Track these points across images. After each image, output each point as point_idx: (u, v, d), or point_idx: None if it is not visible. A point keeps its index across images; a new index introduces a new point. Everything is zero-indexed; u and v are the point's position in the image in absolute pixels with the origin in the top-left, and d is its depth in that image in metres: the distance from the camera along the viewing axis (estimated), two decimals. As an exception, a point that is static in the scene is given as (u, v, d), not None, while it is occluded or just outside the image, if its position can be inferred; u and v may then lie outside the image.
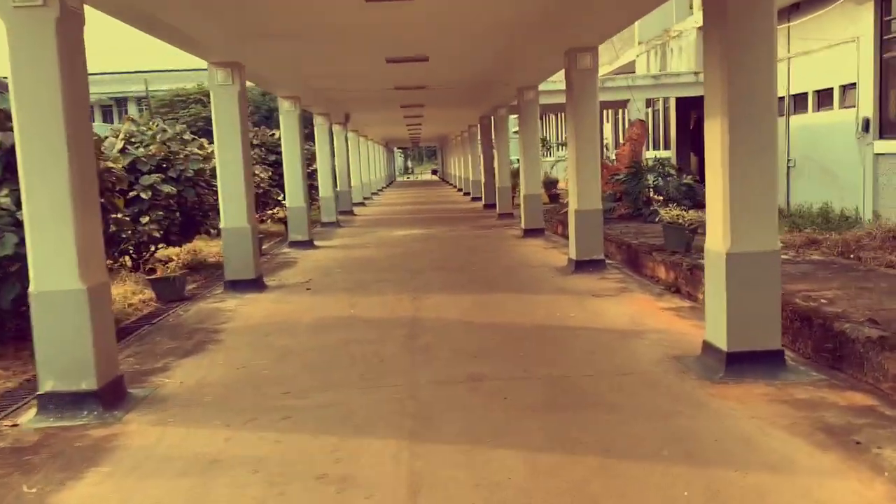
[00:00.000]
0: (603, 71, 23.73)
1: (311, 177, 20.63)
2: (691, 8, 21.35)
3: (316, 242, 14.88)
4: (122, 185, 8.42)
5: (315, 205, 21.75)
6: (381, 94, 17.73)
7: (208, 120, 18.96)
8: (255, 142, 19.64)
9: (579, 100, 9.65)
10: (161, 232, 10.69)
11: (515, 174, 24.02)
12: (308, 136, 20.02)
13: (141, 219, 10.41)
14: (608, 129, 29.24)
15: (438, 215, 21.51)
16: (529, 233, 14.31)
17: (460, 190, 35.71)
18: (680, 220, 9.13)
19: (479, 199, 27.34)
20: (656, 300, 7.85)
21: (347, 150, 22.94)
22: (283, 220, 16.62)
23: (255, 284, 9.68)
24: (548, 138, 30.40)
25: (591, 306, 7.69)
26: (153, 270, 9.67)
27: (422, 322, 7.32)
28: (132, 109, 58.18)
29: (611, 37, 9.72)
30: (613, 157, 19.32)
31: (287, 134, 14.38)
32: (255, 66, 10.44)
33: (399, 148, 77.79)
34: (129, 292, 9.34)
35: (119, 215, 9.68)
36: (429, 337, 6.67)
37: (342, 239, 15.85)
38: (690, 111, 22.24)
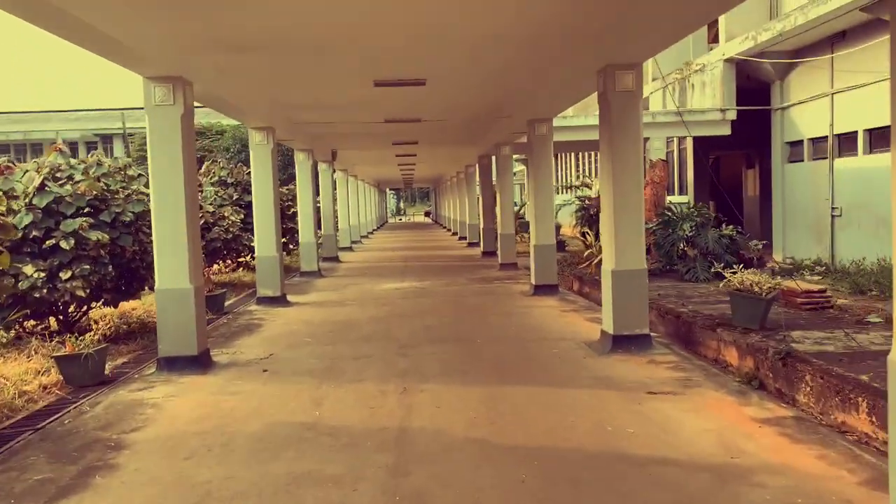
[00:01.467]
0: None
1: (291, 219, 18.54)
2: (714, 41, 19.61)
3: (290, 298, 12.67)
4: (8, 236, 6.24)
5: (295, 251, 19.58)
6: (370, 129, 15.71)
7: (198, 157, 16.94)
8: (229, 180, 17.56)
9: (618, 127, 7.60)
10: (88, 290, 8.50)
11: (516, 219, 22.13)
12: (292, 177, 17.91)
13: (61, 274, 8.23)
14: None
15: (432, 263, 19.35)
16: (541, 289, 12.14)
17: (455, 234, 33.66)
18: (755, 288, 6.98)
19: (476, 244, 25.29)
20: (740, 403, 5.65)
21: (334, 191, 20.90)
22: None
23: (198, 363, 7.44)
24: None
25: (652, 413, 5.48)
26: (64, 343, 7.42)
27: (413, 440, 5.07)
28: (118, 146, 56.55)
29: (660, 51, 7.71)
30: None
31: (259, 171, 12.26)
32: (208, 85, 8.36)
33: (391, 189, 76.02)
34: (32, 371, 7.11)
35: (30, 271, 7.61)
36: (423, 475, 4.41)
37: (321, 293, 13.63)
38: (710, 151, 20.33)
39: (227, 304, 12.50)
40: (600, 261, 11.43)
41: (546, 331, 8.96)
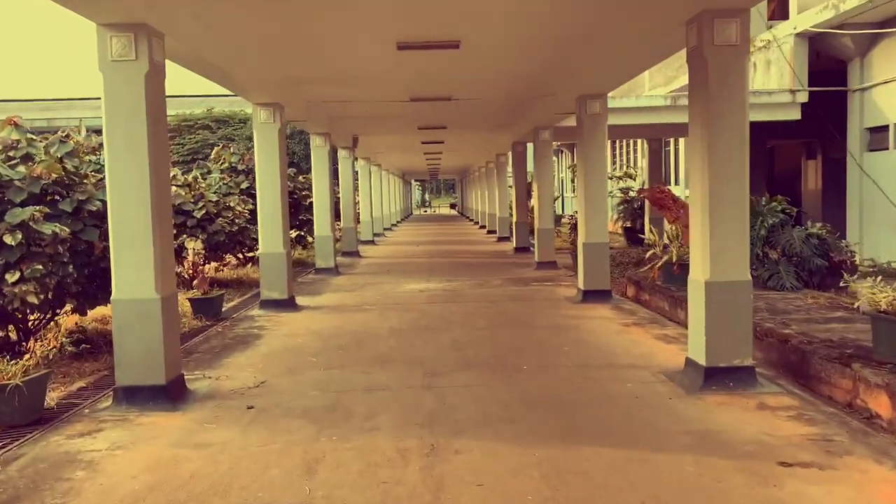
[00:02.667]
0: (658, 93, 19.92)
1: (308, 210, 16.90)
2: (775, 17, 17.56)
3: (299, 300, 11.00)
4: None
5: (313, 244, 17.94)
6: (393, 110, 13.99)
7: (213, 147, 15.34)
8: (239, 167, 15.97)
9: (717, 95, 5.76)
10: (45, 295, 6.88)
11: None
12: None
13: (7, 276, 6.62)
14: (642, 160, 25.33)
15: (461, 260, 17.59)
16: (591, 295, 10.32)
17: (483, 227, 31.87)
18: (910, 311, 5.13)
19: (507, 239, 23.51)
20: (926, 489, 3.84)
21: (355, 180, 19.24)
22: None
23: (166, 395, 5.76)
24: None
25: (799, 505, 3.69)
26: (21, 355, 5.79)
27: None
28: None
29: None
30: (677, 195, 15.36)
31: (264, 154, 10.57)
32: (187, 40, 6.64)
33: (417, 180, 74.38)
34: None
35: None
36: None
37: (336, 294, 11.94)
38: (767, 139, 18.29)
39: (226, 307, 10.89)
40: (666, 263, 9.60)
41: (609, 353, 7.16)
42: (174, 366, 5.99)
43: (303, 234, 17.40)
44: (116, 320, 5.82)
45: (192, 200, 12.25)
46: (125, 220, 5.75)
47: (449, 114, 15.03)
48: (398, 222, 40.68)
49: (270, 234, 10.56)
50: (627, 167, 24.04)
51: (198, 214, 12.05)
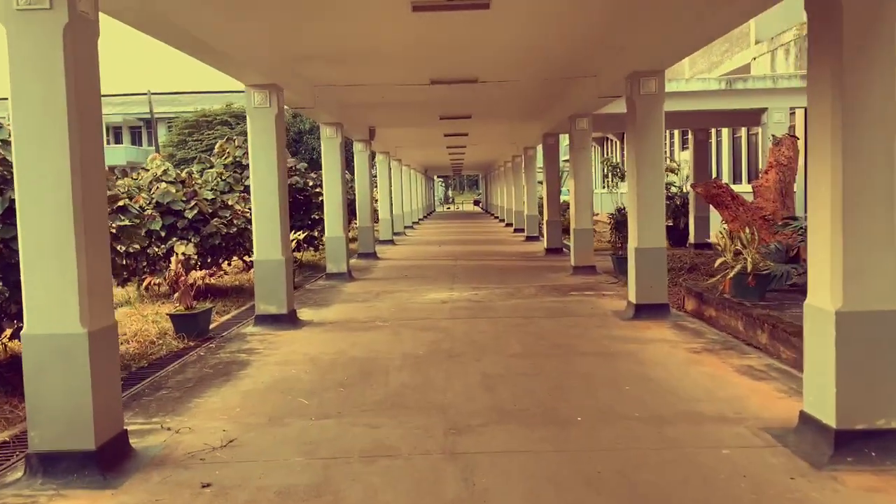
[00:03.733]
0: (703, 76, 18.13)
1: (320, 209, 15.40)
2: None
3: (301, 314, 9.50)
4: None
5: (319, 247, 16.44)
6: (412, 96, 12.44)
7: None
8: (244, 161, 14.54)
9: (858, 54, 4.13)
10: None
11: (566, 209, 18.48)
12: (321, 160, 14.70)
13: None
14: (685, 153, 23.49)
15: (488, 262, 16.00)
16: (644, 311, 8.68)
17: (509, 225, 30.26)
18: None
19: (536, 238, 21.91)
20: None
21: (372, 176, 17.73)
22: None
23: (95, 463, 4.25)
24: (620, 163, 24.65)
25: None
26: None
27: None
28: (162, 130, 54.64)
29: None
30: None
31: (259, 143, 9.06)
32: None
33: (440, 176, 72.83)
34: None
35: None
36: None
37: (345, 306, 10.40)
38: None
39: (221, 320, 9.44)
40: (741, 272, 7.94)
41: (686, 397, 5.52)
42: (110, 423, 4.46)
43: (315, 234, 15.92)
44: (28, 362, 4.27)
45: (183, 199, 10.82)
46: (36, 228, 4.23)
47: (474, 101, 13.45)
48: (420, 220, 39.16)
49: (266, 237, 9.05)
50: (669, 160, 22.27)
51: (189, 215, 10.62)
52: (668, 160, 21.13)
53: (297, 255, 15.80)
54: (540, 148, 19.95)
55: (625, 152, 12.94)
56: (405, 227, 28.28)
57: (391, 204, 24.78)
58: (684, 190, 19.05)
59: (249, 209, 12.05)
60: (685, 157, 22.90)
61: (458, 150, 26.84)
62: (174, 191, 10.72)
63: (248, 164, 14.52)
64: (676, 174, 19.65)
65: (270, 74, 8.65)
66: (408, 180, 32.02)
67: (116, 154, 53.75)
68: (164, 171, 11.16)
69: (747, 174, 19.80)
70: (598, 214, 25.46)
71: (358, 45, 8.54)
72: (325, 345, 7.81)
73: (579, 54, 9.35)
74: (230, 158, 14.65)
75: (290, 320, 8.93)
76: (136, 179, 11.14)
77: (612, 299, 10.26)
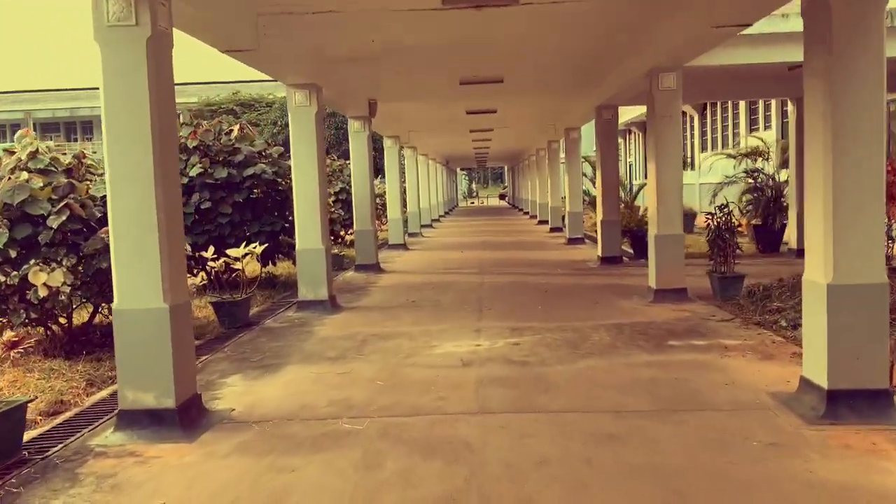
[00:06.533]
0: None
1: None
2: None
3: (220, 393, 5.46)
4: None
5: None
6: (428, 63, 8.39)
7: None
8: (190, 143, 10.65)
9: None
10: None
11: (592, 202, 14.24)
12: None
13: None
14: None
15: (526, 277, 11.87)
16: (847, 400, 4.50)
17: (543, 222, 26.03)
18: None
19: (580, 241, 17.76)
20: None
21: (370, 163, 13.63)
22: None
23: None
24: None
25: None
26: None
27: None
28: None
29: None
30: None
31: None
32: None
33: (462, 169, 68.54)
34: None
35: None
36: None
37: (301, 373, 6.23)
38: None
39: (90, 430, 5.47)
40: None
41: None
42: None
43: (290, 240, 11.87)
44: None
45: (51, 197, 6.86)
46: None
47: (504, 81, 9.38)
48: (442, 216, 35.03)
49: (130, 274, 5.00)
50: (752, 137, 17.84)
51: (53, 223, 6.61)
52: (756, 139, 16.72)
53: (267, 269, 11.76)
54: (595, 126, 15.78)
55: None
56: (422, 227, 24.12)
57: (404, 200, 20.70)
58: (778, 178, 14.70)
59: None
60: (779, 136, 18.54)
61: (483, 134, 22.64)
62: (37, 184, 6.72)
63: (195, 147, 10.69)
64: (767, 159, 15.30)
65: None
66: (425, 172, 27.87)
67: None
68: (34, 155, 7.14)
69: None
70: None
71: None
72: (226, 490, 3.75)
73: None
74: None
75: (181, 423, 4.81)
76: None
77: (750, 358, 6.11)
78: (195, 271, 9.97)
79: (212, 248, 8.61)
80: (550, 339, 7.20)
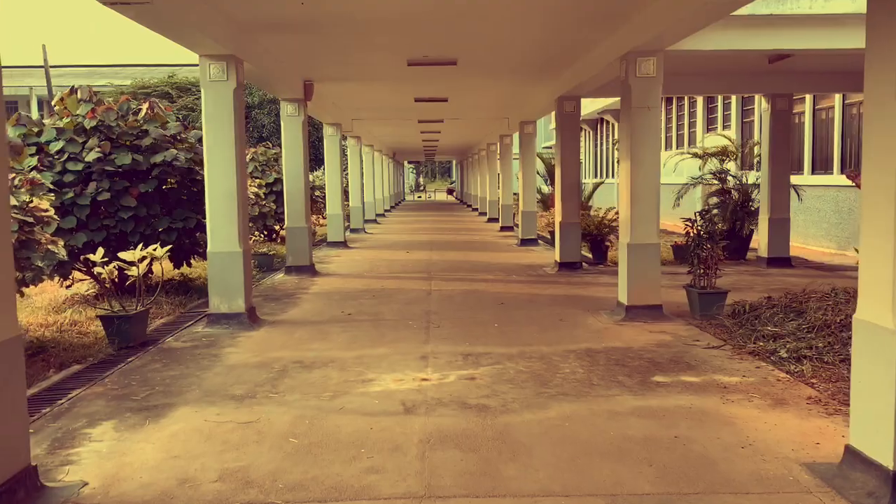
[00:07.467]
0: None
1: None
2: None
3: (85, 461, 4.01)
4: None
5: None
6: (371, 39, 7.00)
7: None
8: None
9: None
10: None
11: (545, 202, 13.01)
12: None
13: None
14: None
15: (480, 285, 10.57)
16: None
17: (492, 220, 24.88)
18: None
19: (533, 241, 16.65)
20: None
21: (306, 152, 12.13)
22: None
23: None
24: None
25: None
26: None
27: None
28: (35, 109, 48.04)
29: None
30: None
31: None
32: None
33: (410, 162, 67.00)
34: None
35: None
36: None
37: (183, 428, 4.81)
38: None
39: None
40: None
41: None
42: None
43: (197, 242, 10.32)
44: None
45: None
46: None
47: (460, 44, 8.05)
48: (387, 210, 33.56)
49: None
50: (707, 136, 16.86)
51: None
52: (722, 138, 15.76)
53: (181, 272, 10.18)
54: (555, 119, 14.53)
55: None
56: (366, 223, 22.61)
57: (346, 194, 19.20)
58: (745, 180, 13.75)
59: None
60: (753, 135, 17.69)
61: (433, 125, 21.28)
62: None
63: (88, 129, 9.08)
64: (735, 160, 14.35)
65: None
66: (370, 164, 26.35)
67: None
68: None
69: (840, 161, 14.49)
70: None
71: None
72: None
73: None
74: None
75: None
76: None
77: (758, 404, 4.95)
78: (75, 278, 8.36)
79: (101, 251, 7.03)
80: (513, 370, 5.91)
